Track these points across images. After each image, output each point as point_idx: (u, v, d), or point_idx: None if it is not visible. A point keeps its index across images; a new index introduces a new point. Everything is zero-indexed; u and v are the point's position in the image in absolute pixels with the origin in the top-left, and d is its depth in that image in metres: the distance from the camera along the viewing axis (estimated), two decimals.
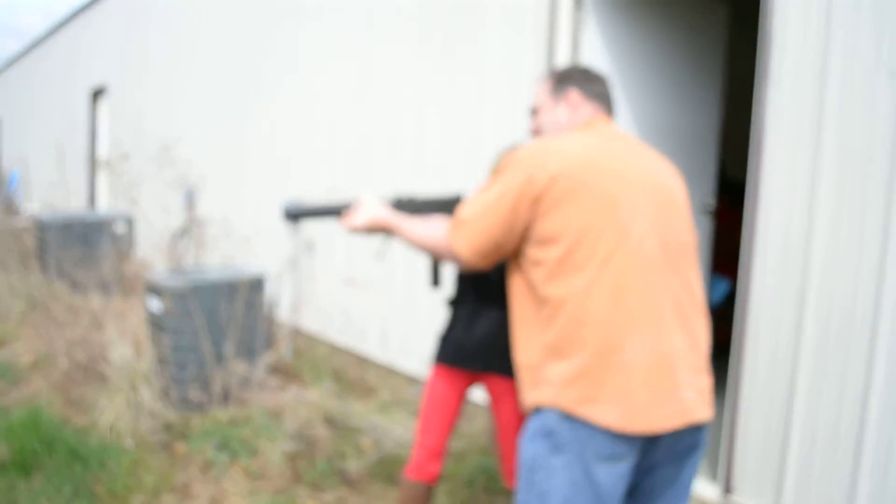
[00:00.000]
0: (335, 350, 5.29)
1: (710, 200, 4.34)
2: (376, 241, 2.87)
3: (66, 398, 4.87)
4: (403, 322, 4.87)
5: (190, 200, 7.21)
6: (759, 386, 3.00)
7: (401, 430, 4.19)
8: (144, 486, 3.77)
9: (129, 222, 7.59)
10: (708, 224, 4.38)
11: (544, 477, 1.82)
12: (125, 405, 4.38)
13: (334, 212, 2.27)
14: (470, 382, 2.84)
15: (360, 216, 2.20)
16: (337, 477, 3.81)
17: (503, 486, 3.72)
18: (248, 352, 4.69)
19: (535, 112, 2.18)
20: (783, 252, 2.92)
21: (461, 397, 2.85)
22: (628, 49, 3.95)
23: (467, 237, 1.96)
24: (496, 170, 2.03)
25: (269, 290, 5.69)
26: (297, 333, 5.30)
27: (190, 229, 6.95)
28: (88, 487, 3.75)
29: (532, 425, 1.89)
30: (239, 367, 4.45)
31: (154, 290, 4.61)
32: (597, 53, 3.85)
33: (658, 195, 1.93)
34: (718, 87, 4.34)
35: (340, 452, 3.94)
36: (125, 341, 4.94)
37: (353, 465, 3.84)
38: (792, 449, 2.89)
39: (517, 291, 1.98)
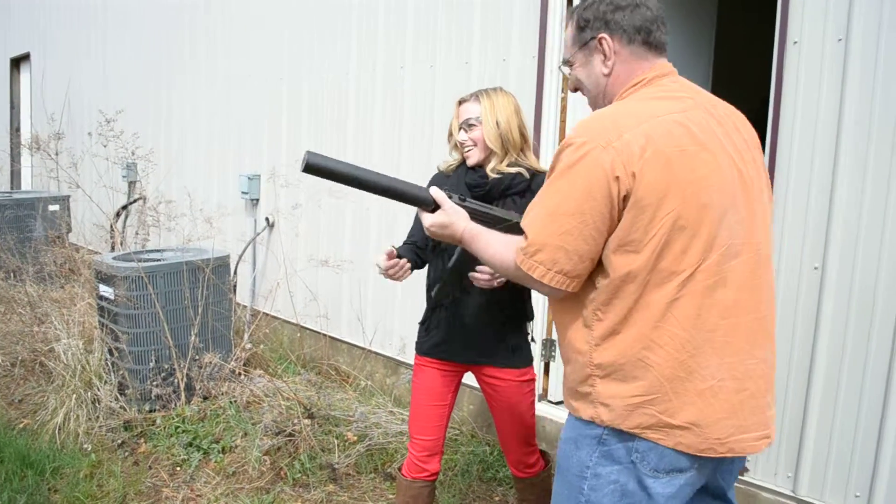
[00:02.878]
0: (304, 335, 4.98)
1: None
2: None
3: (8, 399, 4.45)
4: (379, 305, 4.60)
5: (134, 177, 6.74)
6: (778, 365, 2.86)
7: (385, 419, 3.94)
8: (108, 492, 3.43)
9: (65, 202, 7.05)
10: None
11: (595, 485, 1.65)
12: (78, 404, 4.00)
13: (377, 185, 1.79)
14: (461, 373, 2.66)
15: (435, 219, 1.82)
16: (322, 472, 3.54)
17: (501, 474, 3.55)
18: (215, 340, 4.35)
19: (569, 65, 1.79)
20: (801, 227, 2.77)
21: (454, 390, 2.66)
22: None
23: (553, 261, 1.58)
24: (556, 166, 1.61)
25: (236, 272, 5.34)
26: (264, 318, 4.97)
27: (134, 208, 6.50)
28: (45, 497, 3.40)
29: (580, 428, 1.69)
30: (205, 357, 4.11)
31: (104, 275, 4.21)
32: None
33: (746, 192, 1.61)
34: (709, 55, 4.18)
35: (324, 446, 3.67)
36: (72, 334, 4.54)
37: (339, 459, 3.58)
38: (809, 432, 2.78)
39: (567, 298, 1.68)
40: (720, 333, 1.57)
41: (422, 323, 2.66)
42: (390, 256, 2.42)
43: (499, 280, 2.33)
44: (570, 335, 1.68)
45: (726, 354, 1.58)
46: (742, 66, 5.22)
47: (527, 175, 2.48)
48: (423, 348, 2.63)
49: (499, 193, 2.48)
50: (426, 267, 2.67)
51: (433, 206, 1.83)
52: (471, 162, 2.52)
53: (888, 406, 2.60)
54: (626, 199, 1.52)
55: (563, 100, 3.64)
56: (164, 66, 6.88)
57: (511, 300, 2.50)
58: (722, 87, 4.34)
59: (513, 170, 2.48)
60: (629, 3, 1.68)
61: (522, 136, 2.52)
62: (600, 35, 1.68)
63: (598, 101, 1.75)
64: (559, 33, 3.59)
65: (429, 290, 2.60)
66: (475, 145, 2.50)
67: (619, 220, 1.54)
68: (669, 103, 1.62)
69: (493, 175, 2.49)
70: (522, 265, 1.61)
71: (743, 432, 1.60)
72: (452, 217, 1.81)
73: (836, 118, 2.67)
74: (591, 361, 1.63)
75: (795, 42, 2.77)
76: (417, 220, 2.66)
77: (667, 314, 1.55)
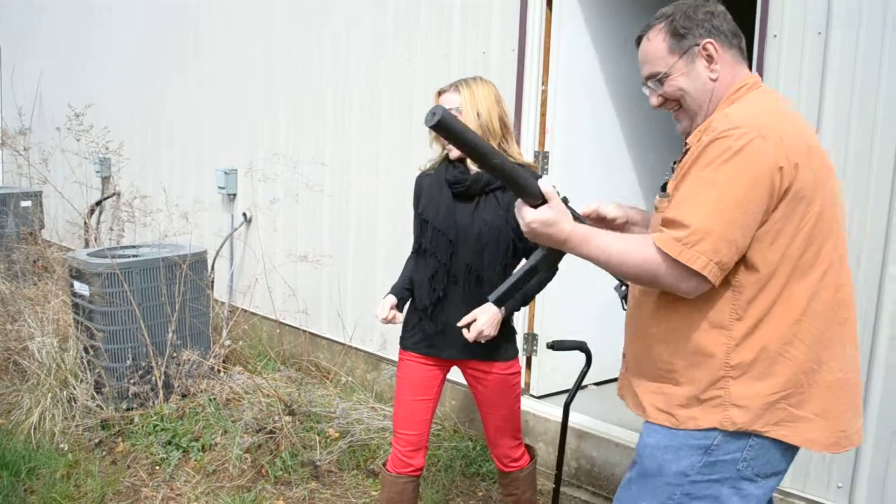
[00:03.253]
0: (284, 331, 4.94)
1: (679, 161, 4.22)
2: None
3: None
4: (359, 300, 4.57)
5: (107, 172, 6.63)
6: None
7: (367, 415, 3.92)
8: (86, 492, 3.38)
9: (38, 198, 6.91)
10: None
11: (691, 492, 1.64)
12: (53, 403, 3.93)
13: (494, 164, 1.62)
14: (446, 369, 2.64)
15: (538, 216, 1.63)
16: (304, 470, 3.51)
17: (484, 468, 3.54)
18: (193, 337, 4.29)
19: (658, 80, 1.72)
20: None
21: (439, 385, 2.65)
22: (606, 14, 3.74)
23: (716, 251, 1.50)
24: (714, 157, 1.53)
25: (214, 268, 5.27)
26: (242, 314, 4.92)
27: (108, 203, 6.40)
28: (21, 498, 3.34)
29: (684, 437, 1.65)
30: (183, 354, 4.05)
31: (78, 272, 4.14)
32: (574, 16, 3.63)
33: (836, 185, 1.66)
34: None
35: (305, 443, 3.64)
36: (46, 331, 4.46)
37: (321, 456, 3.55)
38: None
39: (686, 302, 1.62)
40: (847, 327, 1.63)
41: (407, 319, 2.63)
42: (392, 307, 2.52)
43: (486, 336, 2.37)
44: (697, 339, 1.62)
45: (847, 348, 1.63)
46: None
47: None
48: (407, 343, 2.61)
49: (479, 190, 2.45)
50: (412, 264, 2.66)
51: (539, 201, 1.65)
52: (454, 155, 2.48)
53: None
54: (787, 191, 1.51)
55: (544, 92, 3.63)
56: (138, 60, 6.77)
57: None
58: None
59: None
60: (719, 11, 1.70)
61: (504, 125, 2.49)
62: (706, 41, 1.66)
63: (703, 108, 1.70)
64: (539, 25, 3.58)
65: (418, 289, 2.56)
66: None
67: (771, 212, 1.53)
68: (785, 104, 1.66)
69: (473, 170, 2.47)
70: (680, 256, 1.51)
71: (857, 424, 1.65)
72: (559, 216, 1.64)
73: (816, 111, 2.69)
74: (726, 363, 1.60)
75: (775, 36, 2.78)
76: (416, 220, 2.61)
77: (808, 308, 1.57)
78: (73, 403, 3.96)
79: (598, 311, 3.87)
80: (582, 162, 3.79)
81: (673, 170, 1.71)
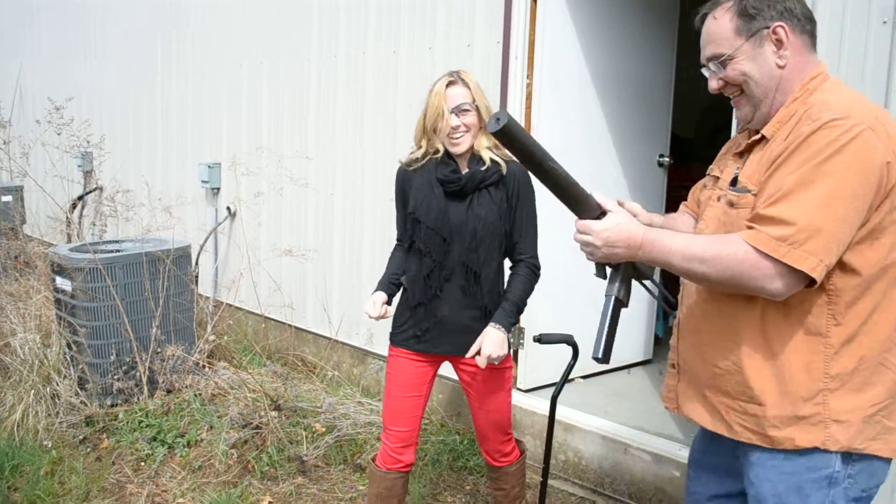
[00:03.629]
0: (269, 325, 4.91)
1: (665, 154, 4.24)
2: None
3: None
4: (345, 294, 4.55)
5: (89, 166, 6.56)
6: None
7: (354, 410, 3.91)
8: (70, 489, 3.35)
9: (19, 192, 6.83)
10: (661, 178, 4.28)
11: None
12: (37, 400, 3.89)
13: (555, 179, 1.55)
14: (437, 365, 2.63)
15: (608, 224, 1.54)
16: (291, 465, 3.50)
17: (472, 462, 3.55)
18: (177, 332, 4.26)
19: (721, 63, 1.59)
20: None
21: (429, 381, 2.64)
22: (592, 7, 3.74)
23: (827, 250, 1.39)
24: (820, 148, 1.41)
25: (198, 262, 5.24)
26: (227, 309, 4.89)
27: (90, 198, 6.34)
28: (4, 496, 3.31)
29: (800, 471, 1.53)
30: (167, 349, 4.02)
31: (60, 267, 4.09)
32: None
33: None
34: (673, 40, 4.20)
35: (292, 438, 3.62)
36: (29, 328, 4.41)
37: (308, 451, 3.54)
38: None
39: (776, 308, 1.50)
40: None
41: (397, 315, 2.60)
42: (383, 303, 2.51)
43: (498, 358, 2.39)
44: (791, 348, 1.51)
45: None
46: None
47: (501, 163, 2.45)
48: (398, 340, 2.59)
49: (474, 187, 2.44)
50: (392, 258, 2.66)
51: (598, 213, 1.57)
52: (461, 149, 2.44)
53: None
54: (893, 187, 1.42)
55: (529, 86, 3.62)
56: (120, 53, 6.69)
57: (489, 291, 2.48)
58: (681, 77, 4.39)
59: (491, 156, 2.45)
60: None
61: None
62: (776, 24, 1.53)
63: (768, 96, 1.57)
64: (524, 18, 3.56)
65: (411, 286, 2.54)
66: (468, 131, 2.42)
67: (874, 210, 1.43)
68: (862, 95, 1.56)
69: (466, 168, 2.46)
70: (786, 257, 1.39)
71: None
72: (628, 219, 1.55)
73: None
74: (825, 373, 1.48)
75: None
76: (399, 215, 2.60)
77: None
78: (56, 400, 3.92)
79: (584, 304, 3.88)
80: (568, 155, 3.76)
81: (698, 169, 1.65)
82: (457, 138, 2.41)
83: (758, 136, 1.58)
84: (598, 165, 3.93)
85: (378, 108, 4.26)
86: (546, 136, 3.66)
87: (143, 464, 3.57)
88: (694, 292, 1.69)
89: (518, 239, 2.50)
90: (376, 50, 4.25)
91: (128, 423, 3.81)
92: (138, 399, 3.97)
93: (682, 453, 3.18)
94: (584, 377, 4.06)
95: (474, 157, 2.46)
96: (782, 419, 1.51)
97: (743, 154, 1.64)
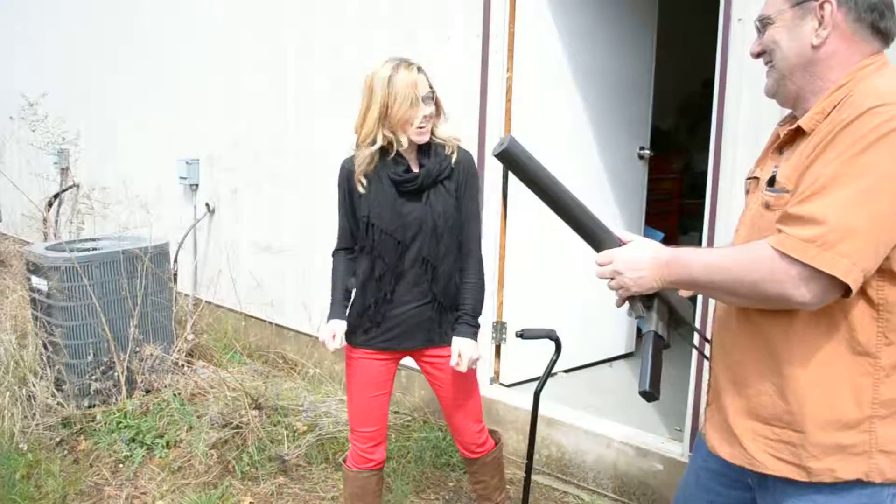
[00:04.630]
0: (249, 323, 4.86)
1: (645, 146, 4.23)
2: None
3: None
4: (326, 290, 4.48)
5: (65, 163, 6.46)
6: None
7: (335, 408, 3.87)
8: (47, 493, 3.30)
9: None
10: (642, 170, 4.27)
11: None
12: (12, 402, 3.82)
13: (575, 216, 1.48)
14: (398, 359, 2.60)
15: (632, 252, 1.45)
16: (272, 465, 3.46)
17: (454, 459, 3.52)
18: (156, 331, 4.20)
19: (763, 23, 1.48)
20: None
21: (392, 378, 2.62)
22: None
23: (862, 253, 1.24)
24: (859, 136, 1.25)
25: (176, 260, 5.17)
26: (206, 307, 4.83)
27: (67, 195, 6.24)
28: None
29: None
30: (145, 349, 3.97)
31: (35, 266, 4.02)
32: None
33: None
34: (653, 32, 4.19)
35: (273, 437, 3.59)
36: (4, 328, 4.34)
37: (289, 451, 3.50)
38: None
39: (815, 322, 1.36)
40: None
41: (351, 320, 2.54)
42: (342, 335, 2.49)
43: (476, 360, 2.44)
44: (835, 371, 1.35)
45: None
46: (684, 47, 5.25)
47: (447, 152, 2.42)
48: (357, 341, 2.53)
49: (430, 183, 2.40)
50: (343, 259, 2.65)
51: (618, 244, 1.50)
52: (424, 139, 2.38)
53: None
54: None
55: (509, 79, 3.59)
56: (94, 47, 6.59)
57: (444, 286, 2.45)
58: (661, 69, 4.39)
59: (444, 140, 2.42)
60: None
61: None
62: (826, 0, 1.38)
63: (794, 74, 1.44)
64: (504, 10, 3.53)
65: (362, 287, 2.49)
66: (430, 120, 2.37)
67: None
68: None
69: (416, 163, 2.41)
70: (815, 260, 1.24)
71: None
72: (648, 241, 1.47)
73: None
74: (873, 399, 1.34)
75: (740, 19, 2.77)
76: (344, 219, 2.56)
77: None
78: (32, 401, 3.86)
79: (566, 299, 3.87)
80: (549, 149, 3.76)
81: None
82: (423, 128, 2.35)
83: (793, 127, 1.44)
84: (578, 158, 3.91)
85: (357, 102, 4.20)
86: (526, 129, 3.63)
87: (121, 465, 3.53)
88: (725, 306, 1.56)
89: (463, 229, 2.47)
90: (354, 41, 4.19)
91: (106, 424, 3.75)
92: (116, 400, 3.92)
93: (666, 447, 3.18)
94: (567, 371, 4.05)
95: (420, 149, 2.41)
96: (824, 448, 1.36)
97: (783, 150, 1.49)
